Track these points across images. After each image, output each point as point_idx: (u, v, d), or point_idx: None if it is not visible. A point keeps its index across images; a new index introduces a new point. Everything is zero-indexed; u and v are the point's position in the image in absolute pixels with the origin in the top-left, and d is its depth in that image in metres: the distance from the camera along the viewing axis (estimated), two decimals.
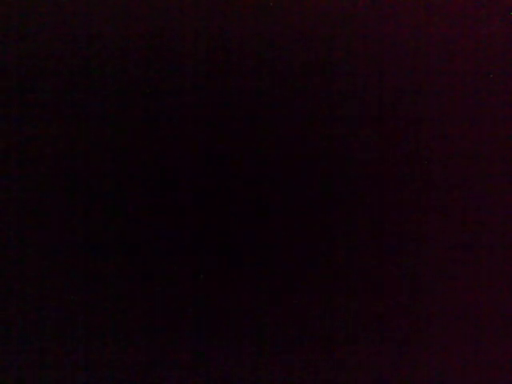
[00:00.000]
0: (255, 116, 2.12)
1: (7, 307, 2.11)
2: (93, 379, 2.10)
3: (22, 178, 2.12)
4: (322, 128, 2.12)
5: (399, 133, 2.13)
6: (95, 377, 2.10)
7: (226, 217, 2.11)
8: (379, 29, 2.13)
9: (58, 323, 2.10)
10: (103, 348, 2.10)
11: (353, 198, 2.12)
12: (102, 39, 2.14)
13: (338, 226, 2.11)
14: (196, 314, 2.10)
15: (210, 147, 2.12)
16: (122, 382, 2.10)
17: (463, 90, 2.14)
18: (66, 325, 2.10)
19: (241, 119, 2.12)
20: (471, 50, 2.14)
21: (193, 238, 2.11)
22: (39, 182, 2.12)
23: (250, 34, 2.13)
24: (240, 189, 2.11)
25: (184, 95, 2.13)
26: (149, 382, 2.10)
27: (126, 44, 2.14)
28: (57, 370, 2.10)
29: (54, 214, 2.12)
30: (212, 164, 2.12)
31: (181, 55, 2.14)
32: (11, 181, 2.12)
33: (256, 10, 2.14)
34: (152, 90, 2.13)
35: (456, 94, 2.13)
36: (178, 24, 2.14)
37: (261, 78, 2.13)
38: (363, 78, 2.13)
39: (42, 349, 2.10)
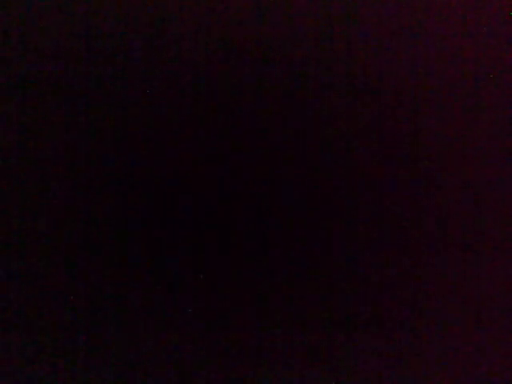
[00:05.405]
0: (254, 116, 2.13)
1: (7, 307, 2.11)
2: (93, 379, 2.11)
3: (22, 177, 2.13)
4: (321, 128, 2.13)
5: (399, 133, 2.13)
6: (95, 377, 2.11)
7: (226, 217, 2.12)
8: (379, 29, 2.14)
9: (58, 323, 2.11)
10: (103, 348, 2.10)
11: (353, 197, 2.12)
12: (101, 39, 2.14)
13: (337, 225, 2.12)
14: (196, 313, 2.11)
15: (210, 147, 2.13)
16: (121, 382, 2.11)
17: (463, 89, 2.14)
18: (66, 325, 2.11)
19: (240, 119, 2.13)
20: (471, 50, 2.14)
21: (193, 237, 2.11)
22: (39, 182, 2.12)
23: (250, 33, 2.14)
24: (240, 189, 2.12)
25: (184, 95, 2.13)
26: (149, 381, 2.10)
27: (126, 44, 2.14)
28: (57, 370, 2.11)
29: (54, 213, 2.12)
30: (212, 164, 2.13)
31: (181, 55, 2.14)
32: (11, 181, 2.13)
33: (256, 9, 2.14)
34: (152, 90, 2.13)
35: (456, 94, 2.14)
36: (178, 24, 2.14)
37: (260, 78, 2.13)
38: (363, 78, 2.13)
39: (41, 348, 2.11)
